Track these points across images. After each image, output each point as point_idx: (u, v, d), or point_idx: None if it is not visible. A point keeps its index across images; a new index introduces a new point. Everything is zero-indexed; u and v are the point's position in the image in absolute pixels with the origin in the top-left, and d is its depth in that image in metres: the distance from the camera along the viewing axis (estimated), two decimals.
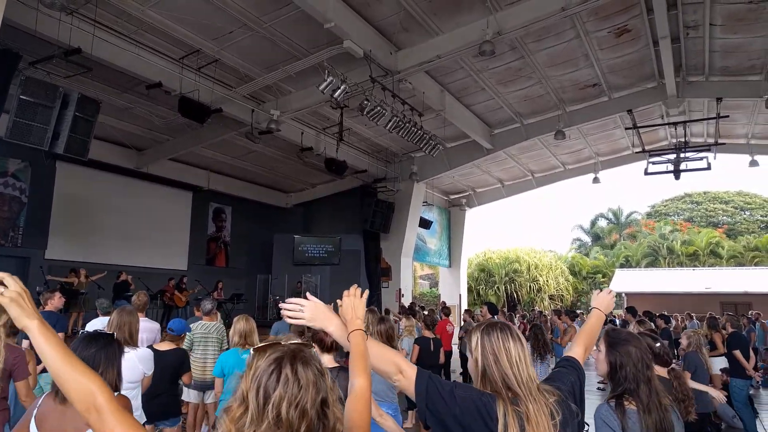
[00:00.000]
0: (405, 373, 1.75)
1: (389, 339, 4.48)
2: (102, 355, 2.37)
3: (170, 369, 4.51)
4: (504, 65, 12.02)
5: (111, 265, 13.87)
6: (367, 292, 1.93)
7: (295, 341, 1.29)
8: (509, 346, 1.76)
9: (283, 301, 1.82)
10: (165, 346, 4.70)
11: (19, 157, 12.77)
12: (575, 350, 2.13)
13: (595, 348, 2.37)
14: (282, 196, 20.32)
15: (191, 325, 5.94)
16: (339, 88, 9.69)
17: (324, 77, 9.58)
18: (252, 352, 1.27)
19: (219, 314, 6.02)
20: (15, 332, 4.05)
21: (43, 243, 13.33)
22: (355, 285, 1.93)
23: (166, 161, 15.36)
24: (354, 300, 1.86)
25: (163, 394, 4.40)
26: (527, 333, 9.43)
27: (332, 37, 9.51)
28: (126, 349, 3.26)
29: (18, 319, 1.30)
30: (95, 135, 9.47)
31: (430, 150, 12.89)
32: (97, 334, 2.54)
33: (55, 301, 5.91)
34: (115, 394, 2.35)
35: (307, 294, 1.91)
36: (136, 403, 3.72)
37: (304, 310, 1.79)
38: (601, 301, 2.38)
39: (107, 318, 5.84)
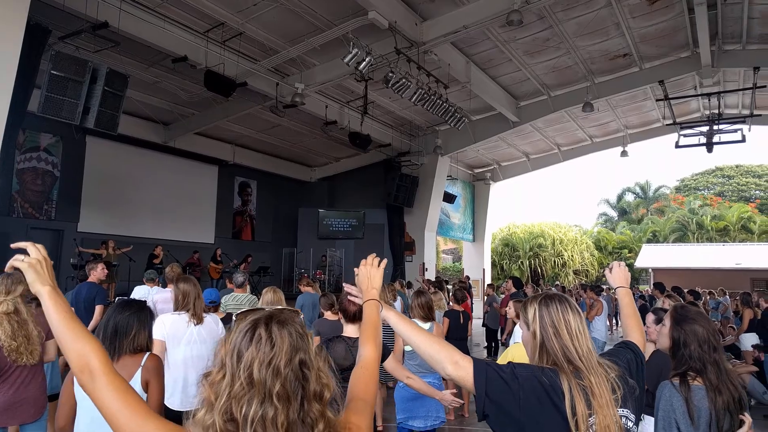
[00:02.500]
0: (460, 364, 1.67)
1: (430, 310, 4.48)
2: (135, 318, 2.64)
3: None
4: (531, 35, 11.73)
5: (140, 237, 14.23)
6: (385, 261, 1.89)
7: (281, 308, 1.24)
8: (569, 318, 1.71)
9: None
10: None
11: (51, 132, 13.03)
12: (634, 337, 2.05)
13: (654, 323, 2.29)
14: (306, 170, 20.41)
15: (223, 297, 6.07)
16: (364, 60, 9.59)
17: (348, 49, 9.49)
18: (235, 318, 1.25)
19: (249, 287, 6.13)
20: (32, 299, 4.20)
21: (75, 216, 13.69)
22: (373, 254, 1.90)
23: (192, 135, 15.49)
24: (370, 269, 1.84)
25: None
26: None
27: (357, 8, 9.40)
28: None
29: (32, 284, 1.35)
30: (123, 110, 9.61)
31: (455, 123, 12.75)
32: (131, 301, 2.85)
33: (98, 272, 6.04)
34: (147, 354, 2.61)
35: (350, 290, 1.96)
36: None
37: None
38: (620, 277, 2.31)
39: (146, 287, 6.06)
